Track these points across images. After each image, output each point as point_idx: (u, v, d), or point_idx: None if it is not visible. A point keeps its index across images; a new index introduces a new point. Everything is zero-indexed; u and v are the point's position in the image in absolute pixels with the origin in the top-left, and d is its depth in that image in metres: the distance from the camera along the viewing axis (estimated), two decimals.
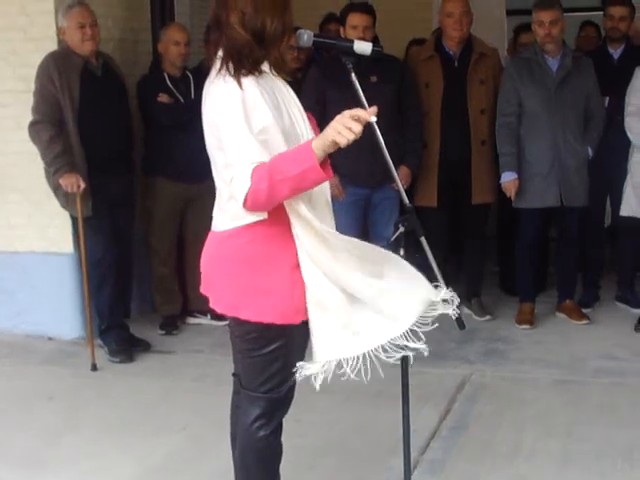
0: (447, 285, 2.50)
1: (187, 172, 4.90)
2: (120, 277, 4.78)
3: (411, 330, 2.32)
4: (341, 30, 4.76)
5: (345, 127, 2.08)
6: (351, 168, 4.43)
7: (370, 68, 4.41)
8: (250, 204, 2.19)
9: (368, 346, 2.29)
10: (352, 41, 2.38)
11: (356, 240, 2.33)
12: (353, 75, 2.32)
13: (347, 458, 3.42)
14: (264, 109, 2.21)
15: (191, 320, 5.30)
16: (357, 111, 2.11)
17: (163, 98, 4.94)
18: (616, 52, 5.22)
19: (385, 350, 2.29)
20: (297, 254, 2.28)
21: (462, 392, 4.08)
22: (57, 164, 4.44)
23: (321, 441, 3.56)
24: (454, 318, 2.43)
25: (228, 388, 2.63)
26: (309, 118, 2.38)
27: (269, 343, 2.34)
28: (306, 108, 2.38)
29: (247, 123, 2.19)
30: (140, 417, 3.91)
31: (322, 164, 2.13)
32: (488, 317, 5.18)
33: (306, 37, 2.33)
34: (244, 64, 2.24)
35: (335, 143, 2.10)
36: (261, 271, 2.30)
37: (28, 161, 4.80)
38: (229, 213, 2.32)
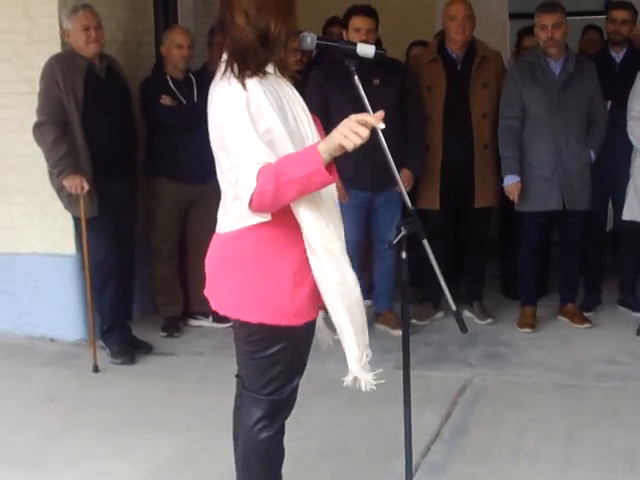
0: (448, 286, 2.52)
1: (190, 173, 4.92)
2: (122, 279, 4.78)
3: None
4: (344, 33, 4.77)
5: (352, 131, 2.08)
6: (353, 171, 4.42)
7: (373, 71, 4.41)
8: (255, 205, 2.19)
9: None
10: (355, 44, 2.38)
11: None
12: (356, 78, 2.32)
13: (348, 460, 3.42)
14: (269, 110, 2.21)
15: (193, 322, 5.30)
16: (364, 116, 2.11)
17: (165, 100, 4.95)
18: (618, 56, 5.23)
19: None
20: (300, 256, 2.28)
21: (463, 395, 4.07)
22: (61, 165, 4.45)
23: (322, 443, 3.55)
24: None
25: (230, 390, 2.63)
26: (315, 121, 2.37)
27: (272, 345, 2.35)
28: (310, 110, 2.38)
29: (252, 124, 2.19)
30: (141, 418, 3.92)
31: (328, 167, 2.13)
32: (490, 320, 5.17)
33: (309, 40, 2.33)
34: (248, 65, 2.24)
35: (342, 147, 2.10)
36: (265, 273, 2.30)
37: (31, 162, 4.81)
38: (234, 214, 2.32)
